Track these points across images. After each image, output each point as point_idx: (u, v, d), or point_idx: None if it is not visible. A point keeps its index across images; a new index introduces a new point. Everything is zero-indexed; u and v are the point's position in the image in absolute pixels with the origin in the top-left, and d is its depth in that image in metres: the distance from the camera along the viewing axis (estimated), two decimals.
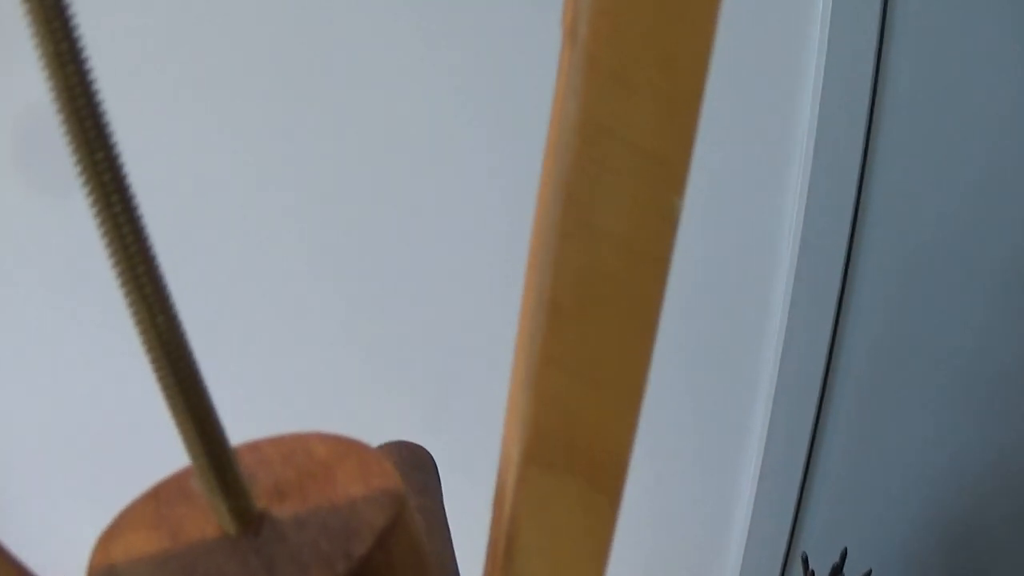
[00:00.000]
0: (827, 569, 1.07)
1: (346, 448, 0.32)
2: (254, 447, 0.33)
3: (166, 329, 0.27)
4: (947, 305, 1.18)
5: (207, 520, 0.31)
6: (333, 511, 0.29)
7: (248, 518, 0.30)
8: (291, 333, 1.23)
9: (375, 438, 0.40)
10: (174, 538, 0.30)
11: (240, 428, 0.38)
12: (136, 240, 0.27)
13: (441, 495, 0.59)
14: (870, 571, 1.02)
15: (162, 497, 0.33)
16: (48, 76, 0.24)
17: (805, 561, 1.04)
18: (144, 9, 1.09)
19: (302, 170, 1.15)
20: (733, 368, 1.23)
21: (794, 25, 1.06)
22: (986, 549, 1.28)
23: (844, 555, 1.02)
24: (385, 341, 1.23)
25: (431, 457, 0.60)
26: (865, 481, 1.26)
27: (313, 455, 0.32)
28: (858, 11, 1.05)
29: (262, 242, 1.19)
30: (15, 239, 1.21)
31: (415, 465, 0.64)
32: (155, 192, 1.16)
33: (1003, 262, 1.15)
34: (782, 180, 1.13)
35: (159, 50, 1.09)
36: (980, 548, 1.29)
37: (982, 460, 1.25)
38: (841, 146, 1.10)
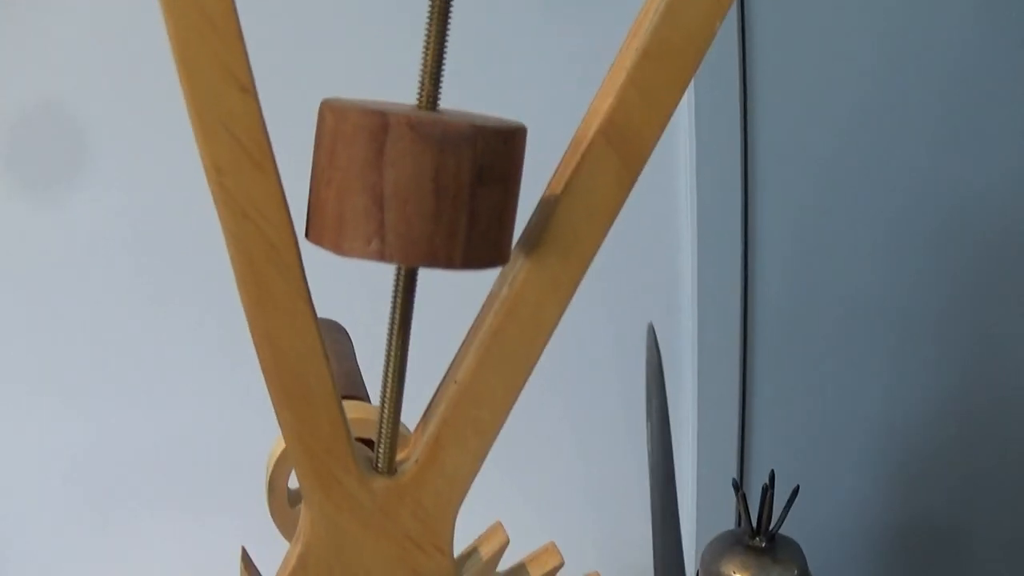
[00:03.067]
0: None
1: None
2: None
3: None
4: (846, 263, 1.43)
5: (406, 105, 0.50)
6: (490, 118, 0.50)
7: (436, 106, 0.50)
8: None
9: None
10: (385, 104, 0.50)
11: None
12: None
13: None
14: (797, 487, 1.15)
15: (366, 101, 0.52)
16: None
17: (736, 485, 1.18)
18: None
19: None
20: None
21: None
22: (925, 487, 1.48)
23: (772, 476, 1.15)
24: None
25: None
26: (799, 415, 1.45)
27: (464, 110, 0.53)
28: None
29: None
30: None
31: (334, 329, 0.83)
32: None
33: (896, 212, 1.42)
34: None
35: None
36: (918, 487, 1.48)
37: (913, 407, 1.48)
38: None
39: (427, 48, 0.50)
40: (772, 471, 1.16)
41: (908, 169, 1.47)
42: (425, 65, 0.50)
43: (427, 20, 0.49)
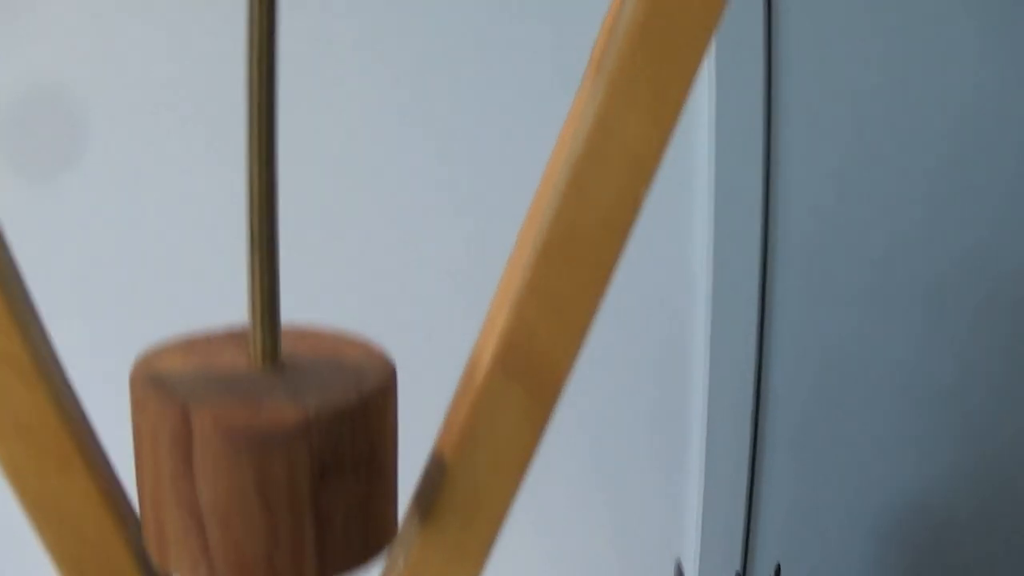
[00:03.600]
0: None
1: (350, 340, 0.41)
2: None
3: (267, 190, 0.37)
4: (877, 325, 1.32)
5: (237, 356, 0.39)
6: (342, 365, 0.38)
7: (276, 358, 0.38)
8: None
9: None
10: (209, 365, 0.38)
11: None
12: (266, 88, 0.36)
13: None
14: (778, 566, 1.08)
15: (192, 342, 0.41)
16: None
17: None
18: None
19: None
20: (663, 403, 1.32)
21: None
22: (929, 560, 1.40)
23: (778, 570, 1.08)
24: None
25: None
26: (808, 501, 1.36)
27: (321, 339, 0.41)
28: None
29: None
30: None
31: None
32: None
33: (935, 278, 1.29)
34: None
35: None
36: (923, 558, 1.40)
37: (924, 475, 1.38)
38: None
39: (254, 286, 0.38)
40: (778, 565, 1.07)
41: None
42: (254, 307, 0.38)
43: (248, 247, 0.38)
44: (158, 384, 0.37)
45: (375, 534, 0.38)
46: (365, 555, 0.38)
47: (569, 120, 0.39)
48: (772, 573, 1.07)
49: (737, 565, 1.32)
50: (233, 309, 1.21)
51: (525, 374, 0.39)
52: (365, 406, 0.37)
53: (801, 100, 1.24)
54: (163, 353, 0.39)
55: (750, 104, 1.22)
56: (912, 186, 1.29)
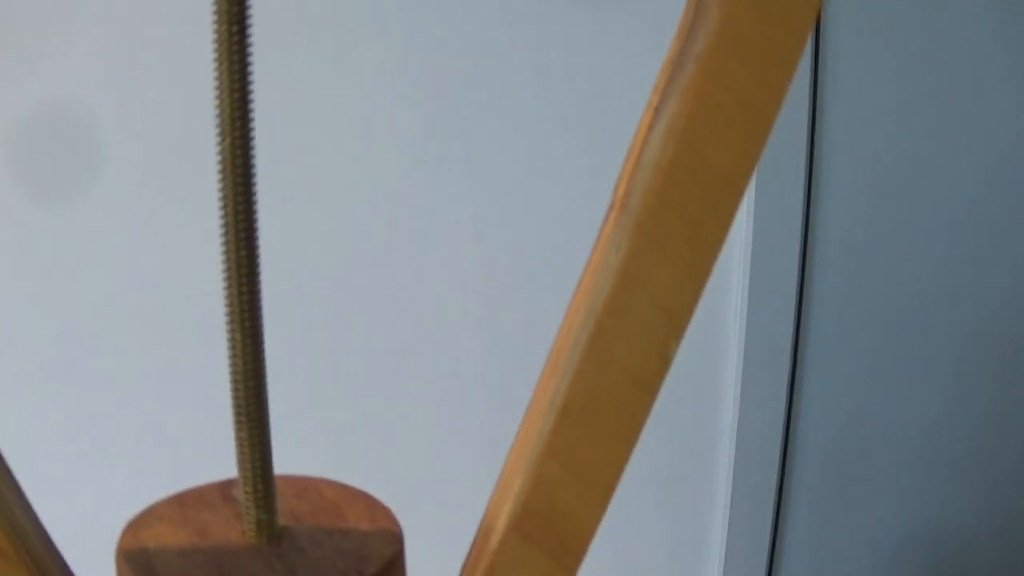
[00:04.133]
0: None
1: (352, 494, 0.38)
2: None
3: (253, 355, 0.33)
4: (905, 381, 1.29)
5: (231, 527, 0.36)
6: (345, 538, 0.35)
7: (272, 530, 0.35)
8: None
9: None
10: (201, 536, 0.35)
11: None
12: (248, 272, 0.33)
13: None
14: None
15: (186, 502, 0.38)
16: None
17: None
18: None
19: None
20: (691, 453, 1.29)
21: None
22: None
23: None
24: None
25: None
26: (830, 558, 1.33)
27: (324, 495, 0.38)
28: None
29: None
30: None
31: None
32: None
33: (960, 338, 1.26)
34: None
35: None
36: None
37: (948, 531, 1.35)
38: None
39: (244, 460, 0.35)
40: None
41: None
42: (245, 482, 0.35)
43: (234, 420, 0.34)
44: (146, 566, 0.34)
45: None
46: None
47: (591, 264, 0.36)
48: None
49: None
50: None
51: (545, 538, 0.35)
52: None
53: (839, 159, 1.19)
54: (154, 520, 0.36)
55: (789, 154, 1.17)
56: (942, 242, 1.25)
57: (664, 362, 0.35)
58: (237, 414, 0.34)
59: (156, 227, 1.20)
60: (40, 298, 1.23)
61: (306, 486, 0.38)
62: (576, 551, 0.36)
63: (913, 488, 1.34)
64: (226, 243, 0.33)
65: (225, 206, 0.33)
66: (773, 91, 0.33)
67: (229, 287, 0.33)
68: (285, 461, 0.39)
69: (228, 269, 0.33)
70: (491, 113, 1.15)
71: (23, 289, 1.22)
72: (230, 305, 0.33)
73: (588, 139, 1.17)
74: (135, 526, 0.36)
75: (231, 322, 0.33)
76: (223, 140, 0.32)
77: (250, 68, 0.32)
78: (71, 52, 1.15)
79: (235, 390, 0.34)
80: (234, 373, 0.33)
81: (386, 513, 0.37)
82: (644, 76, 1.10)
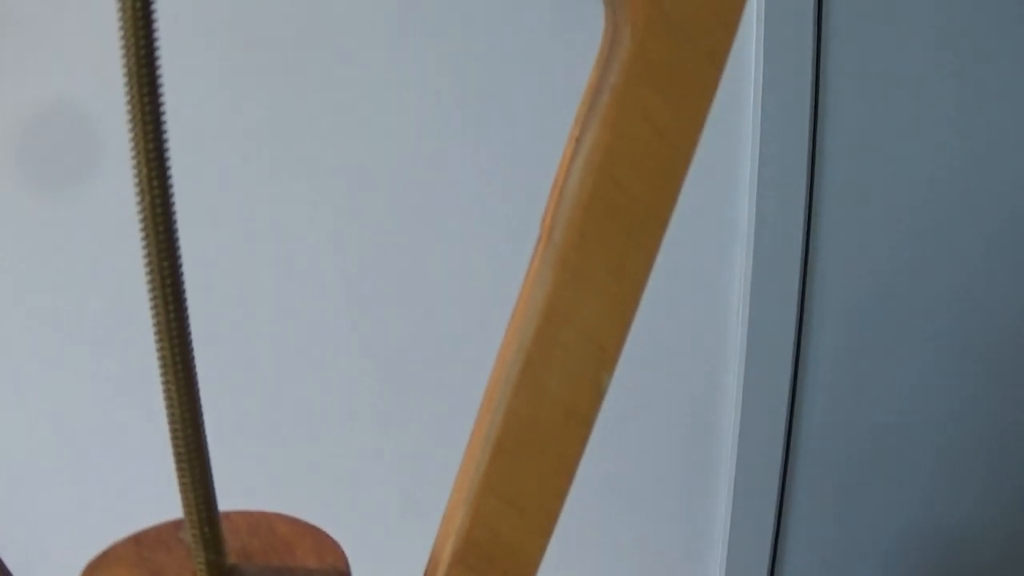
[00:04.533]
0: None
1: (304, 529, 0.39)
2: (225, 516, 0.39)
3: (188, 403, 0.34)
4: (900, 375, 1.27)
5: (184, 567, 0.37)
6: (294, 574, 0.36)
7: (221, 570, 0.36)
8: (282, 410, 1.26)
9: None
10: None
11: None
12: (178, 329, 0.33)
13: None
14: None
15: (143, 543, 0.39)
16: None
17: None
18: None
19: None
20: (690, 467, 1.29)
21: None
22: None
23: None
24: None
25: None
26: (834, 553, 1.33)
27: (276, 531, 0.39)
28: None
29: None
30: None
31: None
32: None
33: (963, 338, 1.25)
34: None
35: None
36: None
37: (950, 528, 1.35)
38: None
39: (189, 511, 0.35)
40: None
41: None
42: (193, 532, 0.35)
43: (176, 467, 0.35)
44: None
45: None
46: None
47: (521, 297, 0.36)
48: None
49: None
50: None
51: (489, 570, 0.36)
52: None
53: (841, 162, 1.17)
54: (112, 562, 0.37)
55: (792, 157, 1.15)
56: (946, 244, 1.22)
57: (597, 393, 0.35)
58: (179, 461, 0.35)
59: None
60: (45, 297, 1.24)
61: (259, 521, 0.39)
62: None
63: (916, 489, 1.32)
64: (152, 288, 0.33)
65: (147, 237, 0.34)
66: (692, 118, 0.33)
67: (160, 340, 0.33)
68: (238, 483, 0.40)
69: (157, 321, 0.33)
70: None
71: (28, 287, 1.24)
72: (162, 357, 0.34)
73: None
74: (92, 569, 0.37)
75: (164, 373, 0.34)
76: (138, 167, 0.33)
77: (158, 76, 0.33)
78: (74, 47, 1.16)
79: (174, 439, 0.34)
80: (172, 422, 0.34)
81: (335, 550, 0.37)
82: None
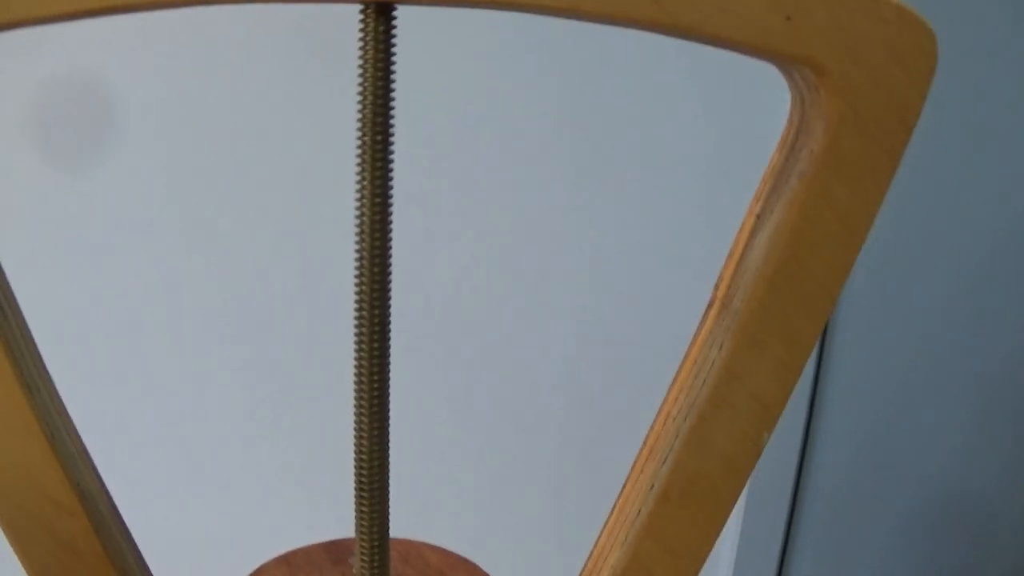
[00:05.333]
0: None
1: (455, 560, 0.40)
2: None
3: (378, 429, 0.36)
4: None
5: None
6: None
7: None
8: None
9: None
10: None
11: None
12: (379, 372, 0.35)
13: None
14: None
15: (294, 564, 0.40)
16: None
17: None
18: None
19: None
20: None
21: None
22: None
23: None
24: None
25: None
26: None
27: (428, 560, 0.40)
28: None
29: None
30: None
31: None
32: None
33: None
34: None
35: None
36: None
37: None
38: None
39: (363, 532, 0.37)
40: None
41: None
42: (363, 554, 0.37)
43: (356, 494, 0.37)
44: None
45: None
46: None
47: (689, 356, 0.38)
48: None
49: None
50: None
51: None
52: None
53: None
54: None
55: None
56: (963, 261, 1.29)
57: (756, 450, 0.37)
58: (359, 484, 0.36)
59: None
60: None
61: (409, 550, 0.41)
62: None
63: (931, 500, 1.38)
64: (359, 333, 0.35)
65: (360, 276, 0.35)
66: (869, 206, 0.36)
67: (359, 376, 0.35)
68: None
69: (359, 360, 0.35)
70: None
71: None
72: (359, 389, 0.35)
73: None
74: None
75: (359, 405, 0.35)
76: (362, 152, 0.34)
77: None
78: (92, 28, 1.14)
79: (359, 462, 0.36)
80: (359, 446, 0.36)
81: None
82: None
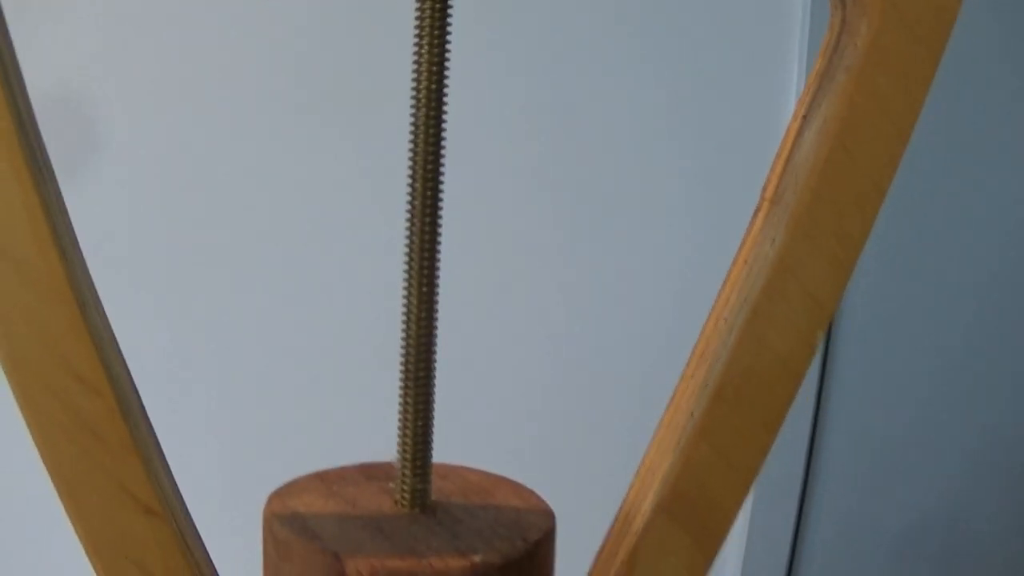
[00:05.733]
0: None
1: (496, 478, 0.38)
2: None
3: (425, 333, 0.34)
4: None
5: (381, 500, 0.36)
6: (499, 512, 0.35)
7: (426, 501, 0.35)
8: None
9: None
10: (352, 506, 0.35)
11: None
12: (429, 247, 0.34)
13: None
14: None
15: (328, 478, 0.37)
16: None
17: None
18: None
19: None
20: None
21: None
22: None
23: None
24: None
25: None
26: None
27: (468, 480, 0.38)
28: None
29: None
30: None
31: None
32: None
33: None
34: None
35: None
36: None
37: None
38: None
39: (407, 427, 0.35)
40: None
41: None
42: (405, 448, 0.35)
43: (401, 387, 0.35)
44: (303, 527, 0.33)
45: None
46: None
47: (740, 256, 0.38)
48: None
49: None
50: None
51: (691, 520, 0.36)
52: (532, 556, 0.34)
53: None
54: (299, 491, 0.36)
55: None
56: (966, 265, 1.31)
57: (810, 349, 0.36)
58: (405, 376, 0.34)
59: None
60: None
61: (447, 471, 0.38)
62: (717, 535, 0.36)
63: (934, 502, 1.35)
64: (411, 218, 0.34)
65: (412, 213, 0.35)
66: (912, 101, 0.36)
67: (410, 266, 0.34)
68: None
69: (410, 250, 0.34)
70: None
71: None
72: (409, 269, 0.34)
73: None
74: (281, 495, 0.36)
75: (408, 284, 0.34)
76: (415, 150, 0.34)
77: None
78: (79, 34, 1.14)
79: (405, 358, 0.34)
80: (407, 338, 0.34)
81: (533, 494, 0.37)
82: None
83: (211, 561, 0.36)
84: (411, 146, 0.34)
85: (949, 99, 1.25)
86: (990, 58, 1.27)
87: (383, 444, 0.39)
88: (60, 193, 0.34)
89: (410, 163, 0.34)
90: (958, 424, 1.35)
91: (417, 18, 0.34)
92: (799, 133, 0.37)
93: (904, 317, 1.30)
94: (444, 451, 0.39)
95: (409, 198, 0.34)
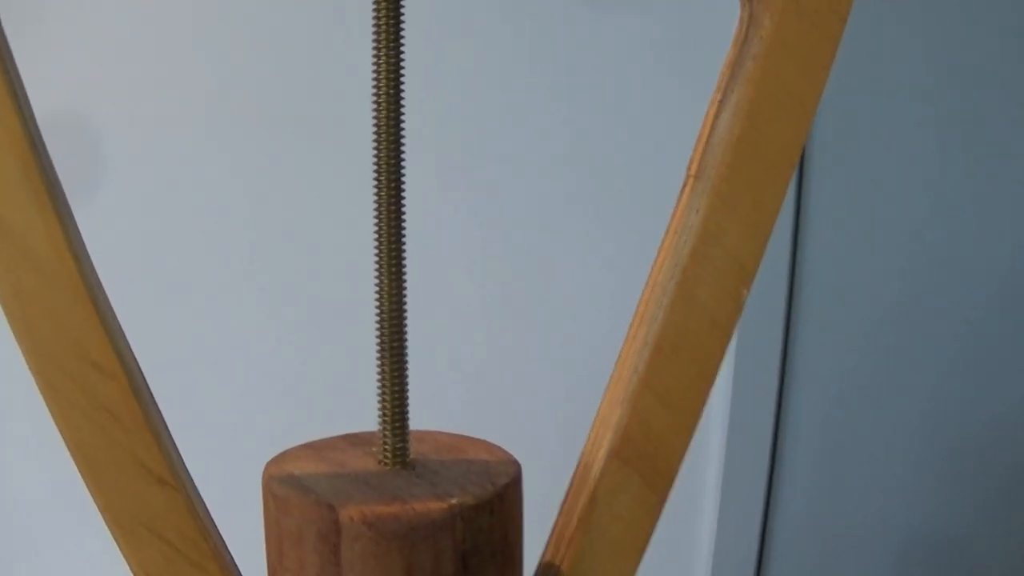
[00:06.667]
0: None
1: (468, 439, 0.43)
2: None
3: (395, 298, 0.39)
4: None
5: (366, 462, 0.40)
6: (472, 464, 0.40)
7: (406, 458, 0.40)
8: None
9: None
10: (340, 467, 0.40)
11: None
12: (394, 221, 0.39)
13: None
14: None
15: (317, 447, 0.42)
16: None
17: None
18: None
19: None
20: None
21: None
22: None
23: None
24: None
25: None
26: None
27: (441, 441, 0.43)
28: None
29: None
30: None
31: None
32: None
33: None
34: None
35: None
36: None
37: None
38: None
39: (385, 391, 0.40)
40: None
41: None
42: (384, 411, 0.40)
43: (378, 355, 0.40)
44: (299, 485, 0.38)
45: None
46: None
47: (671, 226, 0.43)
48: None
49: None
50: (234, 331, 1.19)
51: (641, 463, 0.41)
52: (501, 498, 0.38)
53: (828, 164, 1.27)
54: (292, 459, 0.41)
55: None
56: (931, 238, 1.33)
57: (737, 306, 0.41)
58: (380, 348, 0.39)
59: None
60: None
61: (423, 435, 0.43)
62: (667, 475, 0.41)
63: (906, 493, 1.38)
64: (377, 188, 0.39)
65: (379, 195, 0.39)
66: (814, 82, 0.41)
67: (379, 234, 0.39)
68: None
69: (378, 215, 0.39)
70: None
71: None
72: (378, 235, 0.39)
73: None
74: (276, 461, 0.40)
75: (378, 255, 0.39)
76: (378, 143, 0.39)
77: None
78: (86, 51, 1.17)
79: (380, 327, 0.39)
80: (380, 305, 0.39)
81: (500, 448, 0.42)
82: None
83: (217, 527, 0.41)
84: (374, 148, 0.39)
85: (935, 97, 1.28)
86: (990, 58, 1.31)
87: (366, 427, 0.44)
88: (69, 206, 0.39)
89: (375, 162, 0.39)
90: (923, 415, 1.38)
91: (374, 27, 0.38)
92: (716, 115, 0.42)
93: (868, 303, 1.34)
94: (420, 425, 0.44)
95: (376, 194, 0.39)
